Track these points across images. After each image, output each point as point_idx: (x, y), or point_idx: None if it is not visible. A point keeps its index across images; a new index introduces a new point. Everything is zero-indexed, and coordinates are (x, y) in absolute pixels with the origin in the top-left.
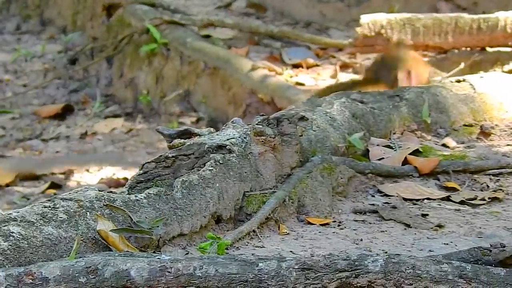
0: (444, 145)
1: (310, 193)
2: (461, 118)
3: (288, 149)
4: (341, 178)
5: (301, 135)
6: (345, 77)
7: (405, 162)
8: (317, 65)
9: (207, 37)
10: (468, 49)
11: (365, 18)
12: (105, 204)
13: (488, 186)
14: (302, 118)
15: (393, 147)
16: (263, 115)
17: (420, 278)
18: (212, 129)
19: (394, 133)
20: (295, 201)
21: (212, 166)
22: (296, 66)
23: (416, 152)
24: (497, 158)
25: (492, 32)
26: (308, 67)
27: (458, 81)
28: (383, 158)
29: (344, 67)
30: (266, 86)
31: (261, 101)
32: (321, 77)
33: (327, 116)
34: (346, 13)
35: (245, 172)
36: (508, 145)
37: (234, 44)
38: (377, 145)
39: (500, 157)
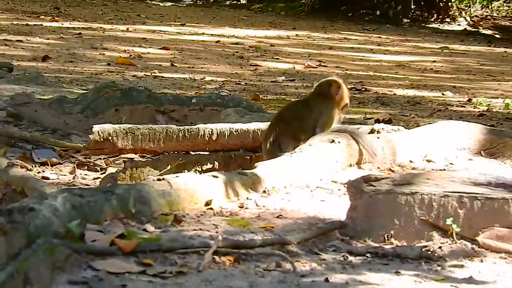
0: (144, 229)
1: (34, 268)
2: (160, 208)
3: (17, 234)
4: (60, 256)
5: (29, 223)
6: (81, 173)
7: (113, 243)
8: (60, 163)
9: None
10: (176, 152)
11: (96, 127)
12: None
13: (176, 262)
14: (31, 209)
15: (104, 232)
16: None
17: None
18: None
19: (106, 221)
20: (21, 275)
21: None
22: (43, 164)
23: (122, 236)
24: (184, 240)
25: (194, 140)
26: (52, 165)
27: (159, 179)
28: (95, 240)
29: (81, 165)
30: (18, 179)
31: (14, 191)
32: (62, 172)
33: (52, 208)
34: (85, 123)
35: None
36: (194, 229)
37: None
38: (92, 230)
39: (187, 239)
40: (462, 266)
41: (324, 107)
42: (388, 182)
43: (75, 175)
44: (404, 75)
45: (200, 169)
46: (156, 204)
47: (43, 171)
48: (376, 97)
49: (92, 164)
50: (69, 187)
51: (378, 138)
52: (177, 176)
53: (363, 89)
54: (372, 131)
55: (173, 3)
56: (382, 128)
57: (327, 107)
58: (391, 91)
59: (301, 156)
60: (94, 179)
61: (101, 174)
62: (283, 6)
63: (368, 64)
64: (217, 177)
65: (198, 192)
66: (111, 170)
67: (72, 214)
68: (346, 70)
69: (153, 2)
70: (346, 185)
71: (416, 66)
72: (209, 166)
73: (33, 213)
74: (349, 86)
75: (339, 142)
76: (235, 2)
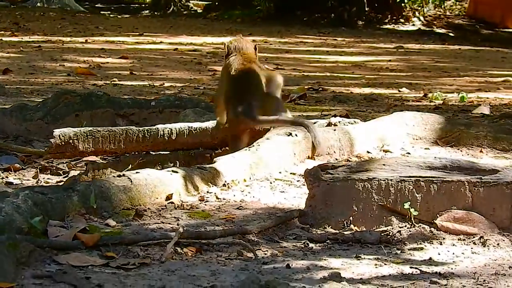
0: (107, 224)
1: None
2: (121, 203)
3: None
4: (24, 251)
5: None
6: (44, 177)
7: (75, 238)
8: (23, 169)
9: None
10: (137, 153)
11: (57, 131)
12: None
13: (138, 255)
14: None
15: (66, 227)
16: None
17: None
18: None
19: (68, 217)
20: None
21: None
22: (6, 170)
23: (84, 230)
24: (146, 233)
25: (154, 140)
26: (15, 171)
27: (119, 176)
28: (58, 235)
29: (43, 169)
30: None
31: None
32: (25, 177)
33: (13, 205)
34: (46, 129)
35: None
36: (155, 223)
37: None
38: (54, 226)
39: (149, 232)
40: (421, 249)
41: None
42: (345, 170)
43: (38, 179)
44: (360, 74)
45: (160, 168)
46: (117, 200)
47: (7, 177)
48: (333, 96)
49: (54, 168)
50: (31, 186)
51: (334, 130)
52: (137, 172)
53: (320, 89)
54: (329, 124)
55: (130, 15)
56: (339, 122)
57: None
58: (348, 89)
59: (260, 149)
60: (57, 182)
61: (64, 177)
62: (239, 13)
63: (324, 66)
64: (176, 172)
65: (159, 187)
66: (73, 173)
67: (34, 211)
68: (304, 72)
69: (111, 15)
70: (303, 175)
71: (372, 65)
72: (170, 165)
73: None
74: (306, 87)
75: (296, 135)
76: (192, 11)
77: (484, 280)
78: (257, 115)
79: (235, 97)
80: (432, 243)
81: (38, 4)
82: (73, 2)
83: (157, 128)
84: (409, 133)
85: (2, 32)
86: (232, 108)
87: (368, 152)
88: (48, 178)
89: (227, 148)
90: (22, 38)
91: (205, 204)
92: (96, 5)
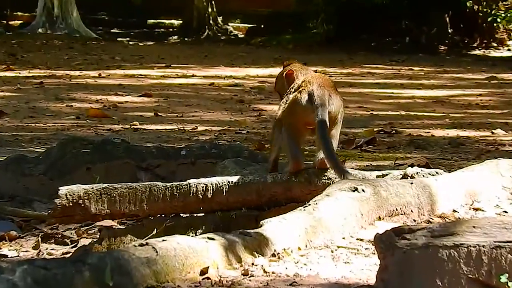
0: None
1: None
2: (143, 280)
3: None
4: None
5: None
6: (46, 247)
7: None
8: (20, 237)
9: None
10: (163, 216)
11: (63, 190)
12: None
13: None
14: None
15: None
16: None
17: None
18: None
19: None
20: None
21: None
22: (0, 238)
23: None
24: None
25: (185, 198)
26: (11, 239)
27: (141, 245)
28: None
29: (46, 238)
30: None
31: None
32: (23, 248)
33: (9, 283)
34: (49, 186)
35: None
36: None
37: None
38: None
39: None
40: None
41: None
42: (426, 234)
43: (40, 250)
44: (443, 113)
45: (193, 234)
46: (139, 275)
47: (0, 248)
48: (410, 140)
49: (60, 236)
50: (30, 259)
51: (411, 184)
52: (164, 240)
53: (393, 131)
54: (405, 176)
55: (155, 42)
56: (417, 173)
57: None
58: (427, 132)
59: (318, 209)
60: (64, 254)
61: (72, 247)
62: (290, 38)
63: (398, 102)
64: (213, 239)
65: (191, 258)
66: (84, 242)
67: None
68: (372, 110)
69: (130, 42)
70: (373, 241)
71: (457, 101)
72: (205, 230)
73: None
74: (376, 129)
75: (363, 191)
76: (231, 36)
77: None
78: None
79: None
80: None
81: (40, 30)
82: (83, 26)
83: (189, 184)
84: (505, 187)
85: None
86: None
87: (454, 211)
88: (52, 249)
89: (277, 207)
90: (20, 73)
91: (250, 280)
92: (112, 30)
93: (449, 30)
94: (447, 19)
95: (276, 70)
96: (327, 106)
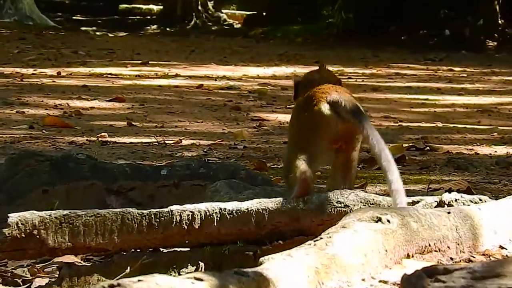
0: None
1: None
2: None
3: None
4: None
5: None
6: None
7: None
8: None
9: None
10: (139, 250)
11: (14, 217)
12: None
13: None
14: None
15: None
16: None
17: None
18: None
19: None
20: None
21: None
22: None
23: None
24: None
25: (166, 229)
26: None
27: (111, 286)
28: None
29: None
30: None
31: None
32: None
33: None
34: None
35: None
36: None
37: None
38: None
39: None
40: None
41: None
42: (465, 275)
43: None
44: (490, 125)
45: (176, 273)
46: None
47: None
48: (448, 159)
49: (9, 274)
50: None
51: (448, 213)
52: (139, 281)
53: (427, 148)
54: (440, 204)
55: (129, 32)
56: (456, 200)
57: None
58: (470, 149)
59: (332, 244)
60: None
61: None
62: (299, 29)
63: (434, 111)
64: (202, 280)
65: None
66: (39, 282)
67: None
68: (401, 121)
69: (97, 33)
70: (400, 283)
71: (509, 111)
72: (191, 268)
73: None
74: (405, 145)
75: (388, 221)
76: (225, 26)
77: None
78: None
79: None
80: None
81: None
82: (38, 12)
83: (171, 211)
84: None
85: None
86: None
87: (501, 247)
88: None
89: (280, 242)
90: None
91: None
92: (74, 17)
93: (500, 21)
94: (497, 7)
95: (281, 70)
96: (365, 114)
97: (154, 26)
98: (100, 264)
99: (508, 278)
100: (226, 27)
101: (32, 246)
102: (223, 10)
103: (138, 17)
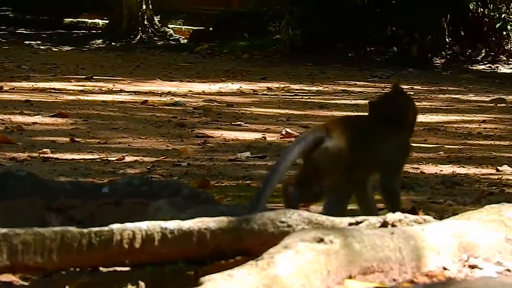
0: None
1: None
2: None
3: None
4: None
5: None
6: None
7: None
8: None
9: None
10: (78, 269)
11: None
12: None
13: None
14: None
15: None
16: None
17: None
18: None
19: None
20: None
21: None
22: None
23: None
24: None
25: (106, 248)
26: None
27: None
28: None
29: None
30: None
31: None
32: None
33: None
34: None
35: None
36: None
37: None
38: None
39: None
40: None
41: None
42: None
43: None
44: (437, 143)
45: None
46: None
47: None
48: None
49: None
50: None
51: (392, 234)
52: None
53: None
54: (384, 224)
55: (74, 47)
56: (400, 220)
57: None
58: (416, 168)
59: (273, 264)
60: None
61: None
62: (246, 45)
63: None
64: None
65: None
66: None
67: None
68: None
69: (41, 47)
70: None
71: (456, 129)
72: None
73: None
74: None
75: (331, 242)
76: (172, 41)
77: None
78: None
79: None
80: None
81: None
82: None
83: (111, 230)
84: (509, 239)
85: None
86: None
87: (444, 268)
88: None
89: (222, 261)
90: None
91: None
92: (18, 31)
93: (447, 39)
94: (445, 24)
95: (227, 86)
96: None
97: (100, 41)
98: (39, 283)
99: None
100: (172, 42)
101: None
102: (169, 25)
103: (83, 31)
